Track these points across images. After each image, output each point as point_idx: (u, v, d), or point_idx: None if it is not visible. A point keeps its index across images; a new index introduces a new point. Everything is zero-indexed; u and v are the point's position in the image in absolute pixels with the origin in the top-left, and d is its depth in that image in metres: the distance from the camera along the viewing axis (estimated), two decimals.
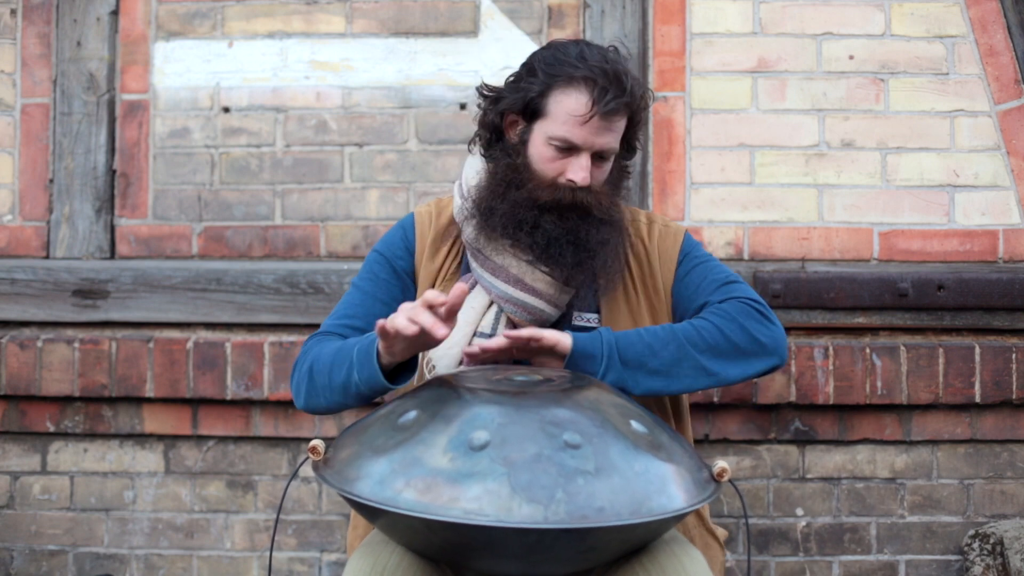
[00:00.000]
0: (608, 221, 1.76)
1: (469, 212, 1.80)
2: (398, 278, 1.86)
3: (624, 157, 1.86)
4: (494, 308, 1.78)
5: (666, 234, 1.89)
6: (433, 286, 1.85)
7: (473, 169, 1.85)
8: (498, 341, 1.66)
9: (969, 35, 2.57)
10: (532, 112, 1.76)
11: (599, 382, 1.60)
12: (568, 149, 1.73)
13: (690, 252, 1.88)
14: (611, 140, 1.74)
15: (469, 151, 1.90)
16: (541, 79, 1.73)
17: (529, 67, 1.77)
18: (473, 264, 1.80)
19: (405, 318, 1.49)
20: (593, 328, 1.78)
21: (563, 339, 1.67)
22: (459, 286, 1.50)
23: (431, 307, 1.49)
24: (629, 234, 1.87)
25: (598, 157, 1.75)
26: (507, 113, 1.80)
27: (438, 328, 1.49)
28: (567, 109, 1.71)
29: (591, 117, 1.69)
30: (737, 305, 1.76)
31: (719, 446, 2.53)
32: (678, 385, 1.71)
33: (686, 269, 1.86)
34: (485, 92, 1.85)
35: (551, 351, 1.68)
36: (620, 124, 1.75)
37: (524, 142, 1.78)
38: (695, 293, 1.83)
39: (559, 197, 1.73)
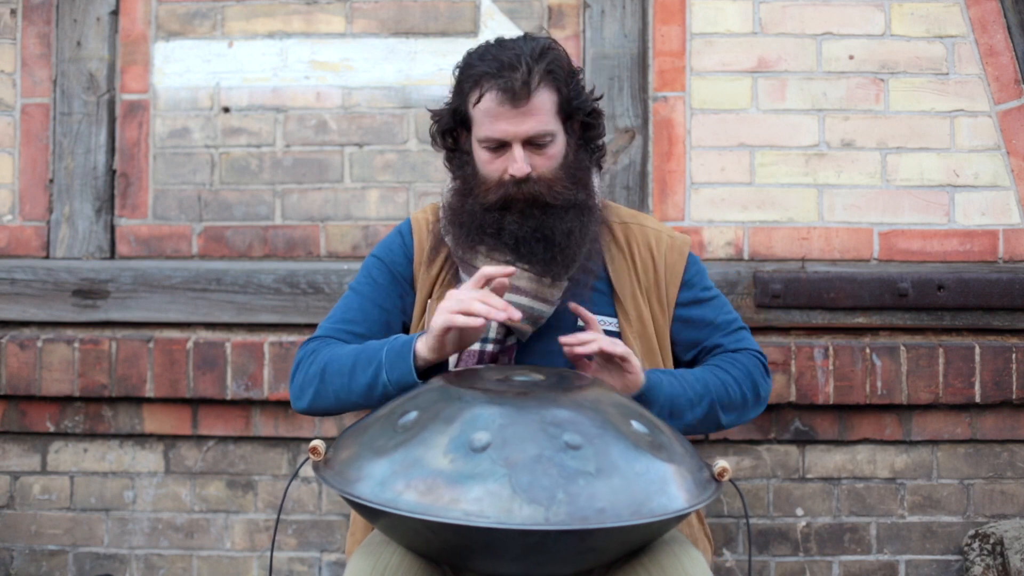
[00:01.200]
0: (569, 206, 1.75)
1: (445, 228, 1.82)
2: (397, 284, 1.87)
3: (586, 139, 1.83)
4: None
5: (672, 247, 1.90)
6: (430, 294, 1.86)
7: (447, 186, 1.88)
8: (590, 344, 1.64)
9: (969, 35, 2.57)
10: (463, 122, 1.79)
11: (599, 382, 1.60)
12: (499, 147, 1.74)
13: (694, 277, 1.91)
14: (535, 124, 1.71)
15: (447, 168, 1.91)
16: (456, 90, 1.78)
17: (454, 81, 1.81)
18: (461, 274, 1.82)
19: (462, 315, 1.55)
20: (612, 332, 1.81)
21: (641, 377, 1.69)
22: (505, 267, 1.61)
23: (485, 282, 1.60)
24: (637, 239, 1.88)
25: (534, 145, 1.73)
26: (454, 130, 1.83)
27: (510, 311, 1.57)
28: (480, 109, 1.73)
29: (490, 106, 1.70)
30: (752, 359, 1.87)
31: (719, 446, 2.53)
32: (689, 433, 1.79)
33: (693, 298, 1.90)
34: (431, 117, 1.87)
35: (622, 376, 1.67)
36: (540, 104, 1.72)
37: (469, 151, 1.80)
38: (707, 331, 1.89)
39: (507, 194, 1.73)
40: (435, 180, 2.65)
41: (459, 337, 1.61)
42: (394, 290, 1.86)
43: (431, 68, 2.66)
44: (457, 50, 2.63)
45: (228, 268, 2.59)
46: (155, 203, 2.69)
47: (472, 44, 2.67)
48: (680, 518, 1.39)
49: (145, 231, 2.68)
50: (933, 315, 2.52)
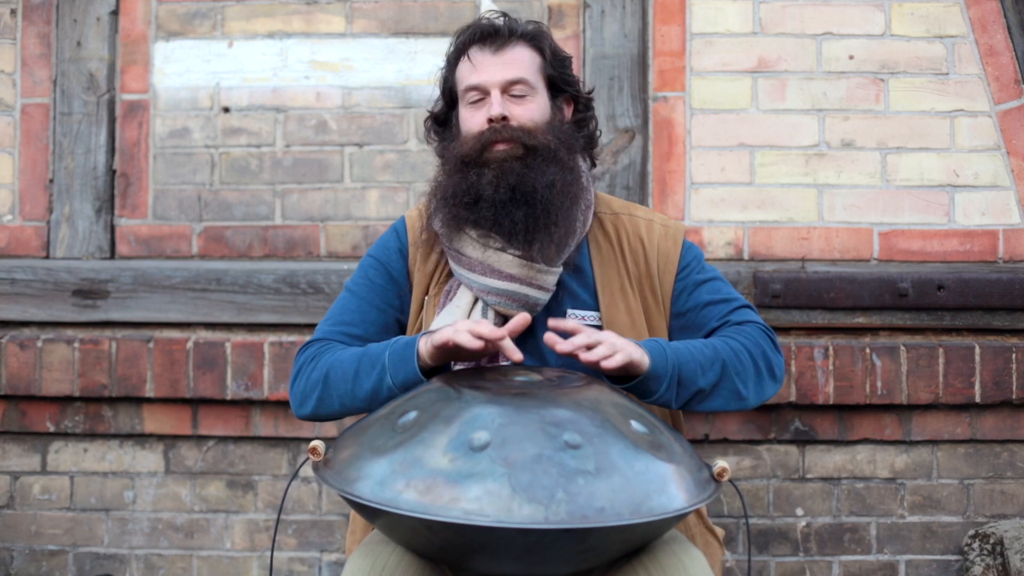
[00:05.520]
0: (551, 158, 1.75)
1: (433, 210, 1.82)
2: (393, 283, 1.87)
3: (576, 122, 1.86)
4: (479, 304, 1.77)
5: (666, 235, 1.87)
6: (427, 289, 1.85)
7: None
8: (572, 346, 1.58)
9: (969, 35, 2.58)
10: (451, 95, 1.87)
11: (599, 381, 1.59)
12: (480, 100, 1.79)
13: (692, 263, 1.86)
14: (513, 71, 1.78)
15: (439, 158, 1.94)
16: (446, 68, 1.89)
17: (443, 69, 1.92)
18: (451, 264, 1.81)
19: (468, 333, 1.55)
20: (595, 326, 1.76)
21: (644, 361, 1.61)
22: (523, 315, 1.59)
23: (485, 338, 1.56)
24: (627, 229, 1.85)
25: (513, 96, 1.78)
26: (447, 113, 1.89)
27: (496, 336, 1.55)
28: (463, 67, 1.82)
29: (471, 56, 1.79)
30: (758, 331, 1.78)
31: (719, 446, 2.53)
32: (711, 405, 1.71)
33: (691, 283, 1.84)
34: (428, 114, 1.94)
35: (624, 368, 1.59)
36: (519, 56, 1.80)
37: (457, 125, 1.86)
38: (711, 311, 1.82)
39: (485, 140, 1.75)
40: None
41: (457, 352, 1.60)
42: (391, 290, 1.86)
43: (431, 68, 2.64)
44: None
45: (228, 268, 2.59)
46: (155, 203, 2.69)
47: None
48: (679, 517, 1.39)
49: (145, 231, 2.68)
50: (933, 315, 2.52)
